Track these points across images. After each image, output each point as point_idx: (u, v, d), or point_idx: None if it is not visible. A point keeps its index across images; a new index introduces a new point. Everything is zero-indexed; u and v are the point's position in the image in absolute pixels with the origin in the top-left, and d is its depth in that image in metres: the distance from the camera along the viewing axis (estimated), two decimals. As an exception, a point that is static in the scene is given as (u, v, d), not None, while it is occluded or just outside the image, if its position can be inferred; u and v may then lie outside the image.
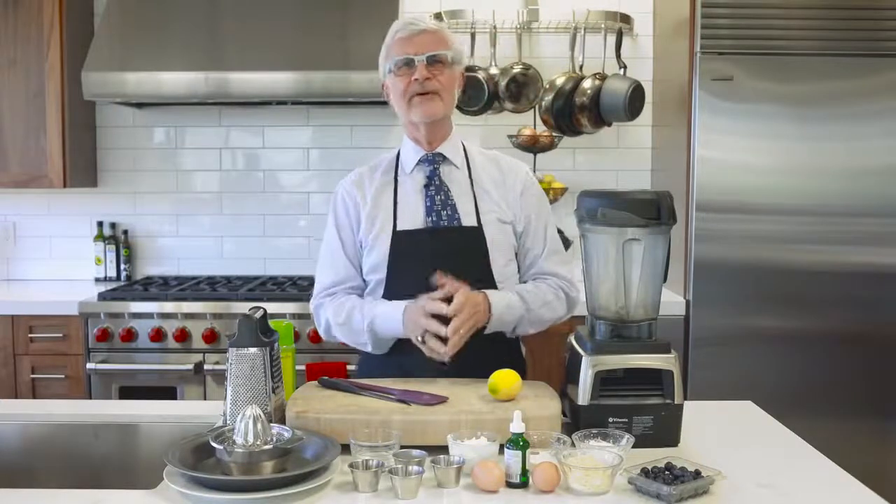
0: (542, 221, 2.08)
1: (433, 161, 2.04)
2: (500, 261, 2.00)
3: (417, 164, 2.05)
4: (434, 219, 1.99)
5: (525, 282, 2.07)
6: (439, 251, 1.96)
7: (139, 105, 3.71)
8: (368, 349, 2.01)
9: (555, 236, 2.10)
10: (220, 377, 3.10)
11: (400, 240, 1.98)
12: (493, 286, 1.98)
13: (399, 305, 1.92)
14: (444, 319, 1.83)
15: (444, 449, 1.53)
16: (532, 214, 2.06)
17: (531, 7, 3.63)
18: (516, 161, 2.14)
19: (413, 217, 2.00)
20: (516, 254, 2.06)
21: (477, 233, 1.99)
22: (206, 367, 3.16)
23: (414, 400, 1.69)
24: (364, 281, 2.06)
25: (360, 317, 1.97)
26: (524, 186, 2.07)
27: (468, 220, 2.00)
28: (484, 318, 1.91)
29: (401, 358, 1.97)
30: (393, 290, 1.98)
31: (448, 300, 1.84)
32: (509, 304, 1.95)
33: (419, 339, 1.86)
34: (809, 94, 3.15)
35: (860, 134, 3.16)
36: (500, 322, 1.95)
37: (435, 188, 2.02)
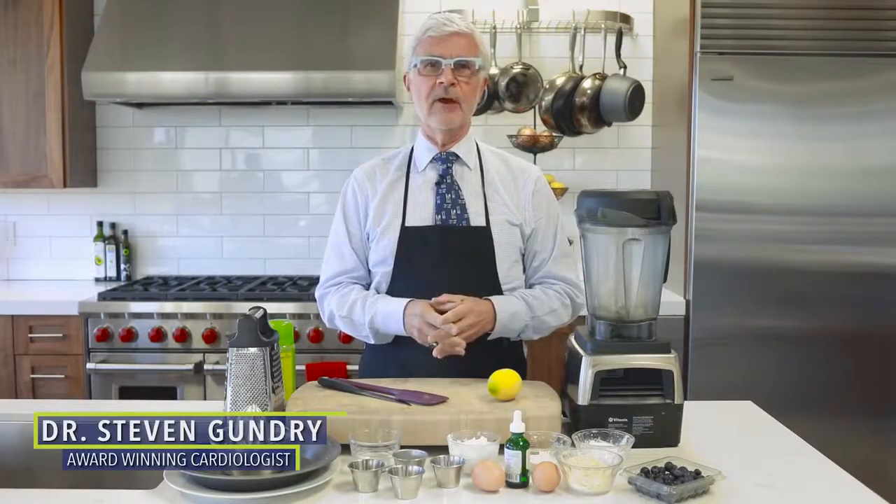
0: (551, 224, 2.08)
1: (446, 160, 2.04)
2: (506, 262, 2.00)
3: (430, 162, 2.05)
4: (443, 217, 1.99)
5: (532, 285, 2.07)
6: (446, 249, 1.96)
7: (139, 105, 3.71)
8: (371, 341, 2.02)
9: (563, 239, 2.10)
10: (220, 377, 3.10)
11: (408, 235, 1.98)
12: (498, 287, 1.98)
13: (400, 303, 1.92)
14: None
15: (444, 449, 1.53)
16: (542, 217, 2.06)
17: (531, 7, 3.63)
18: (527, 162, 2.14)
19: (422, 214, 2.00)
20: (523, 256, 2.06)
21: (484, 233, 1.99)
22: (206, 367, 3.16)
23: (414, 400, 1.69)
24: (369, 272, 2.06)
25: (361, 312, 1.97)
26: (535, 188, 2.07)
27: (477, 220, 2.00)
28: (488, 326, 1.92)
29: (403, 353, 1.97)
30: (399, 284, 1.98)
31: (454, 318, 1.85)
32: (515, 312, 1.95)
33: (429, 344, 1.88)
34: (809, 94, 3.15)
35: (860, 134, 3.16)
36: (504, 329, 1.95)
37: (446, 187, 2.02)
